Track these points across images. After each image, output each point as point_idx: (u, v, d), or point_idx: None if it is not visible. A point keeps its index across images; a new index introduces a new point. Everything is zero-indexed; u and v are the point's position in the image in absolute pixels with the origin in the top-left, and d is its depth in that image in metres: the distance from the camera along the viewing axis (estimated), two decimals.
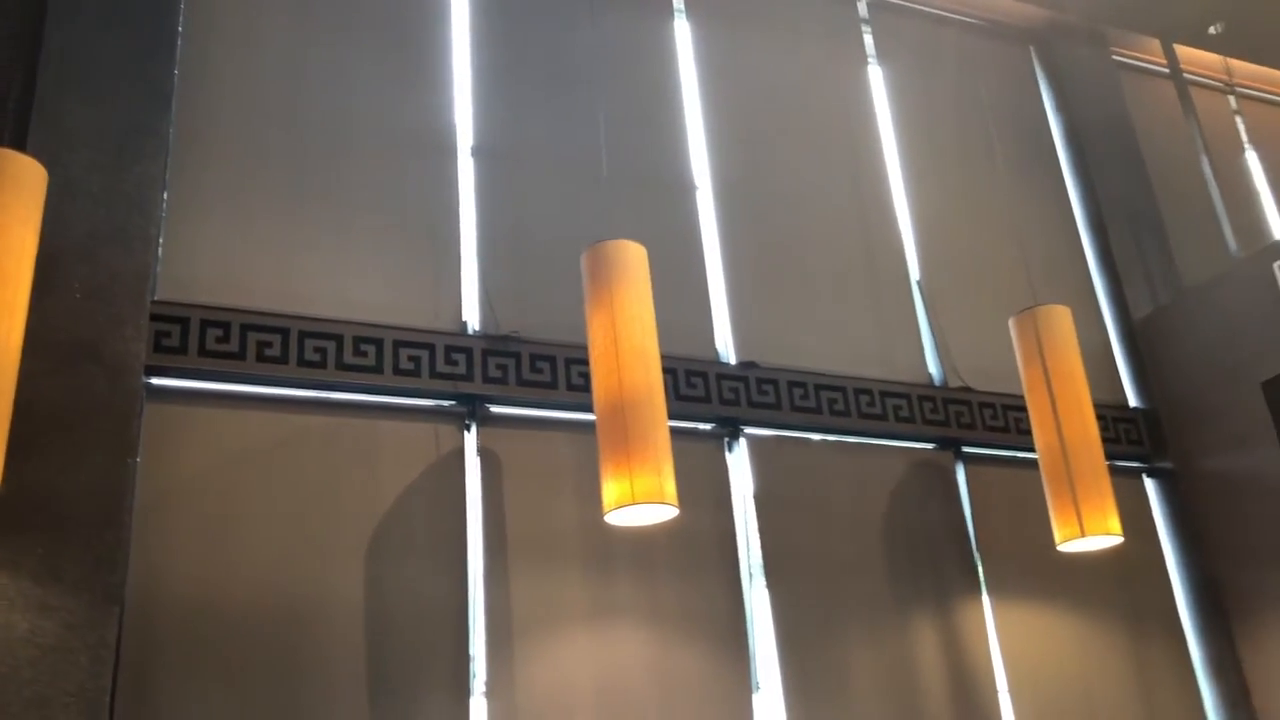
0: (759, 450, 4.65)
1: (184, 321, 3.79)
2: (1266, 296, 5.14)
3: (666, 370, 4.33)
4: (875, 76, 5.97)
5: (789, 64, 5.74)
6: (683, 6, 5.52)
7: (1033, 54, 6.61)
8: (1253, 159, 7.08)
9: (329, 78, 4.53)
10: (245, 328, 3.87)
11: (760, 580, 4.42)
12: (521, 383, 4.22)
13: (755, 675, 4.25)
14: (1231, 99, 7.30)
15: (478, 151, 4.68)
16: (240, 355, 3.83)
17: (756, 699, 4.21)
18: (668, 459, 3.26)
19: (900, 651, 4.56)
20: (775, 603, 4.40)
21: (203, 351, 3.78)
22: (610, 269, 3.45)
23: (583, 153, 4.71)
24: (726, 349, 4.80)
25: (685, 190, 5.08)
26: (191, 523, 3.63)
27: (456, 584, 3.91)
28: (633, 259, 3.50)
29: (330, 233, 4.26)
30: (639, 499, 3.17)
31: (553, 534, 4.12)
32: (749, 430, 4.65)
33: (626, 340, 3.34)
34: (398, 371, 4.05)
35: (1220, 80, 7.28)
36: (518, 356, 4.25)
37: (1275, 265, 5.11)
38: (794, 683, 4.29)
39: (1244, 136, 7.16)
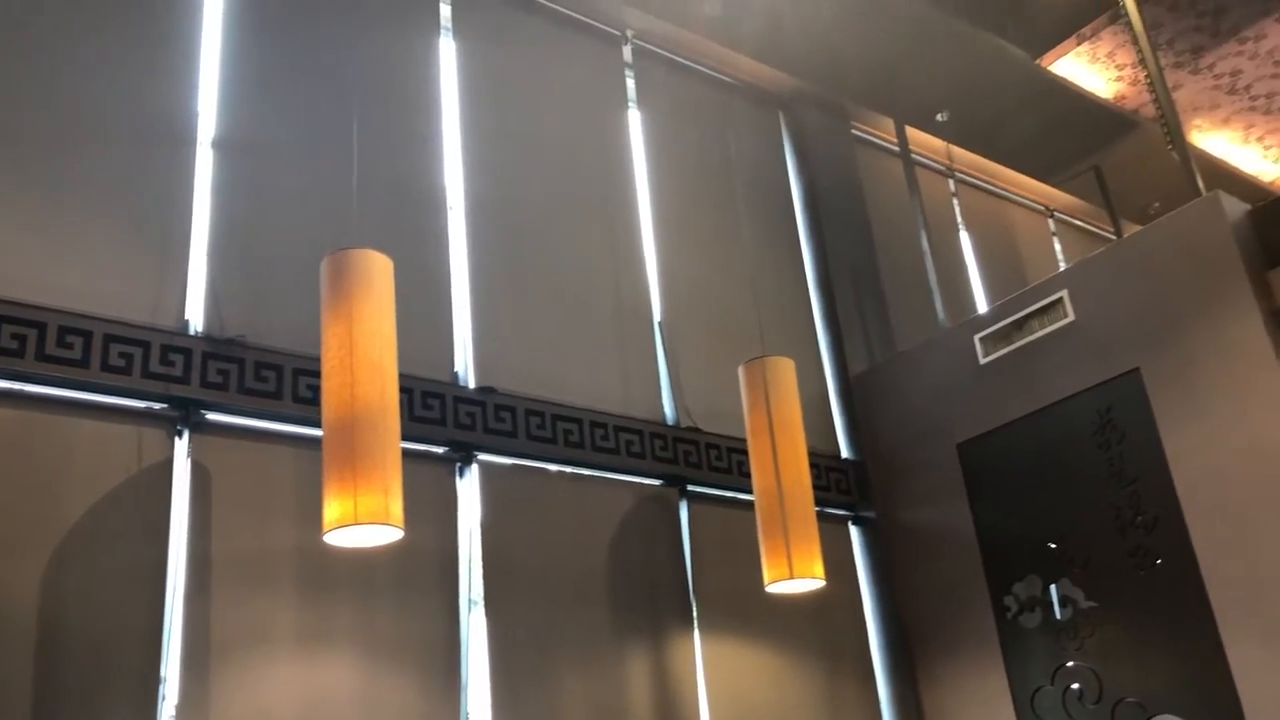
0: (491, 477, 4.61)
1: None
2: (967, 365, 5.62)
3: (402, 389, 4.22)
4: (635, 120, 6.12)
5: (553, 95, 5.79)
6: (449, 24, 5.47)
7: (781, 119, 6.99)
8: (965, 239, 7.76)
9: (58, 50, 4.14)
10: None
11: (480, 609, 4.37)
12: (243, 390, 3.99)
13: (465, 705, 4.18)
14: (951, 182, 7.98)
15: (218, 144, 4.43)
16: None
17: None
18: (397, 479, 3.16)
19: (613, 684, 4.62)
20: (493, 632, 4.36)
21: None
22: (352, 278, 3.33)
23: (333, 158, 4.55)
24: (466, 372, 4.74)
25: (437, 208, 5.00)
26: None
27: (152, 600, 3.62)
28: (377, 270, 3.39)
29: (43, 213, 3.89)
30: (362, 519, 3.06)
31: (265, 552, 3.90)
32: (482, 456, 4.61)
33: (363, 354, 3.23)
34: (106, 368, 3.73)
35: (943, 164, 7.95)
36: (241, 362, 4.02)
37: (976, 337, 5.59)
38: (504, 713, 4.25)
39: (959, 218, 7.84)
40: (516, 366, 4.89)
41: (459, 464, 4.55)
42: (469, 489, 4.54)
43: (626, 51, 6.27)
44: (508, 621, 4.42)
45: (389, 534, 3.25)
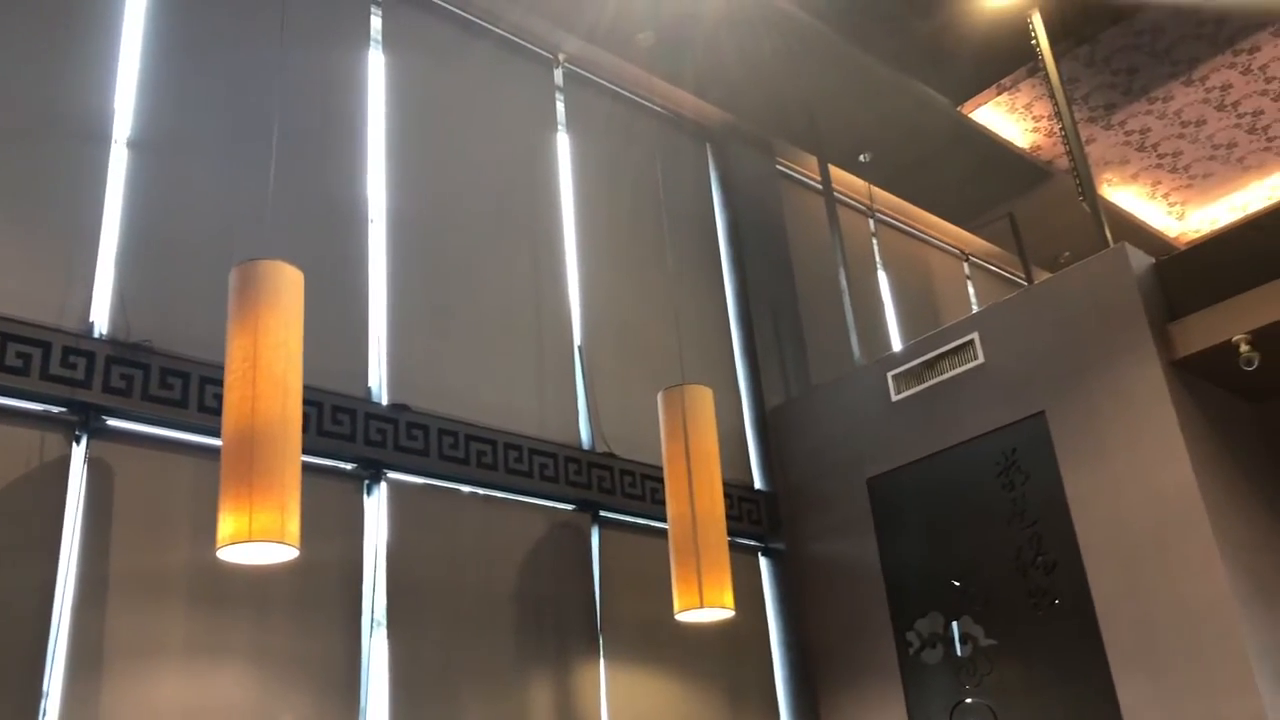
0: (400, 496, 4.55)
1: None
2: (879, 402, 5.70)
3: (311, 403, 4.16)
4: (563, 144, 6.13)
5: (482, 114, 5.78)
6: (380, 37, 5.42)
7: (709, 151, 7.06)
8: (882, 278, 7.90)
9: None
10: None
11: (382, 629, 4.30)
12: (147, 397, 3.89)
13: None
14: (871, 222, 8.13)
15: (134, 144, 4.33)
16: None
17: None
18: (295, 497, 3.09)
19: (515, 710, 4.56)
20: (395, 653, 4.29)
21: None
22: (259, 290, 3.26)
23: (252, 164, 4.47)
24: (379, 388, 4.68)
25: (358, 222, 4.94)
26: None
27: (39, 608, 3.50)
28: (286, 282, 3.33)
29: None
30: (256, 536, 2.99)
31: (161, 562, 3.80)
32: (392, 474, 4.54)
33: (266, 368, 3.16)
34: (2, 368, 3.61)
35: (864, 204, 8.09)
36: (146, 368, 3.92)
37: (889, 375, 5.68)
38: None
39: (877, 257, 7.98)
40: (432, 385, 4.84)
41: (367, 481, 4.48)
42: (377, 507, 4.47)
43: (558, 75, 6.29)
44: (411, 643, 4.35)
45: (284, 553, 3.18)
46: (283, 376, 3.17)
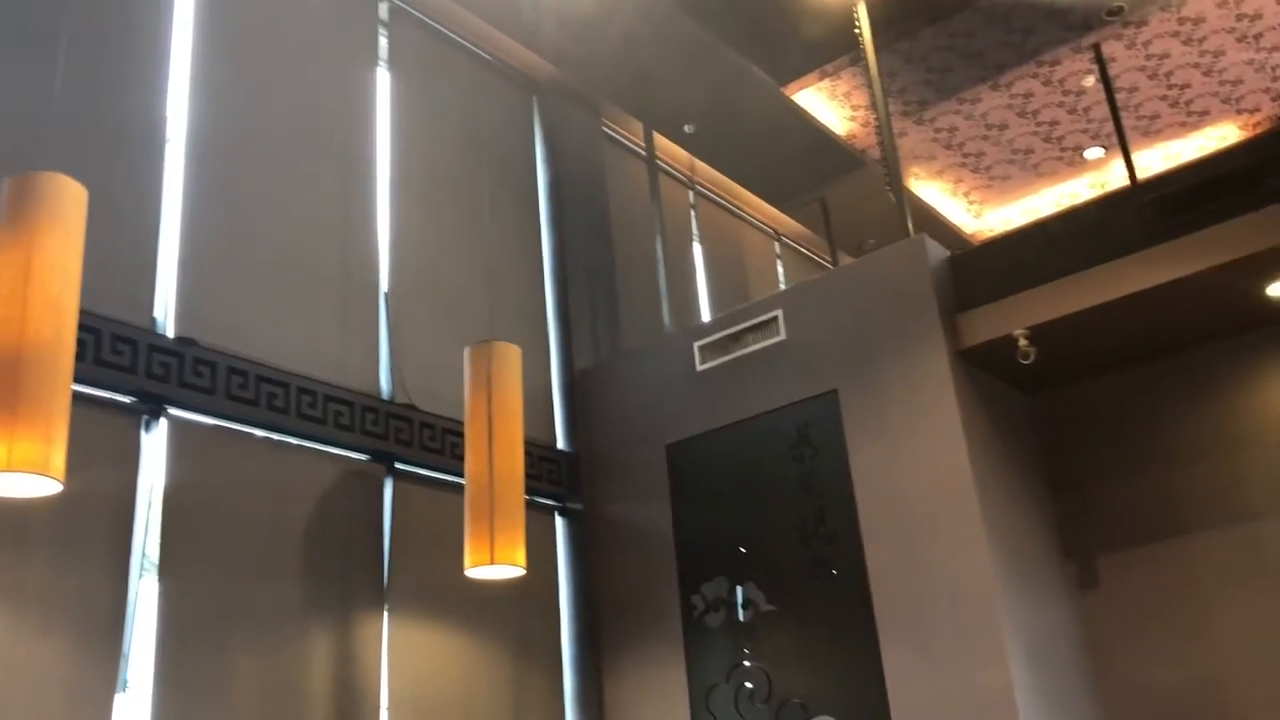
0: (181, 434, 4.32)
1: None
2: (685, 370, 5.79)
3: (89, 329, 3.90)
4: (383, 81, 5.91)
5: (299, 41, 5.50)
6: None
7: (534, 103, 6.96)
8: (697, 250, 8.02)
9: None
10: None
11: (153, 572, 4.08)
12: None
13: (124, 673, 3.89)
14: (691, 194, 8.23)
15: None
16: None
17: (120, 699, 3.85)
18: (62, 429, 2.88)
19: (290, 662, 4.44)
20: (165, 597, 4.09)
21: None
22: (36, 204, 3.00)
23: (37, 71, 4.12)
24: (165, 320, 4.41)
25: (154, 142, 4.62)
26: None
27: None
28: (68, 197, 3.08)
29: None
30: (16, 467, 2.77)
31: None
32: (173, 411, 4.30)
33: (40, 288, 2.92)
34: None
35: (685, 175, 8.17)
36: None
37: (696, 345, 5.78)
38: (169, 683, 4.00)
39: (694, 229, 8.09)
40: (223, 320, 4.60)
41: (146, 417, 4.22)
42: (155, 444, 4.23)
43: (383, 9, 6.05)
44: (183, 588, 4.15)
45: (47, 485, 2.96)
46: (57, 299, 2.94)
